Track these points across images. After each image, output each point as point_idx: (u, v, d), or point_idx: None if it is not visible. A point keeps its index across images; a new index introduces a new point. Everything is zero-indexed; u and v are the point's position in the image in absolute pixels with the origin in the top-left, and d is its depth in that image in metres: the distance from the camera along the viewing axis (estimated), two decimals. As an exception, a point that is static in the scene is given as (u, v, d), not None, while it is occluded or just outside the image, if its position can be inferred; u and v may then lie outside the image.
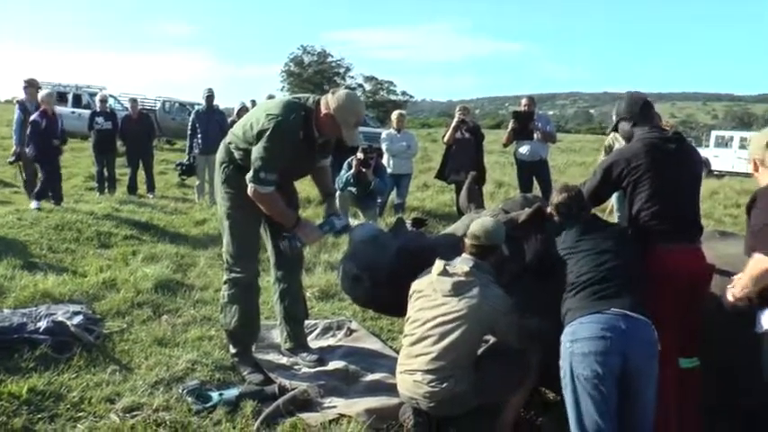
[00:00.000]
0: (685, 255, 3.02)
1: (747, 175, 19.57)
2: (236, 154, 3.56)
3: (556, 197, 3.21)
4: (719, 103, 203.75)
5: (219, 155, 3.70)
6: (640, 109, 3.30)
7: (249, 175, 3.39)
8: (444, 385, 2.87)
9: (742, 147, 21.85)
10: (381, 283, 3.44)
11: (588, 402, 2.60)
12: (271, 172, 3.36)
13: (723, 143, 22.05)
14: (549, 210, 3.26)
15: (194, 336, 4.10)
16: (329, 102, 3.39)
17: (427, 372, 2.89)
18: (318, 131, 3.48)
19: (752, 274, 2.49)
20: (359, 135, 3.59)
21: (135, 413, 3.11)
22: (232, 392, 3.30)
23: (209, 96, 10.08)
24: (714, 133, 23.15)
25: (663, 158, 3.10)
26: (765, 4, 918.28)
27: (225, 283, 3.75)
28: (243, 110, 9.87)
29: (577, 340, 2.67)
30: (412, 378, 2.95)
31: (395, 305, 3.61)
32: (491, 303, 2.90)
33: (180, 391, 3.32)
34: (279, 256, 3.85)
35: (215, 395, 3.27)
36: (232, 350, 3.78)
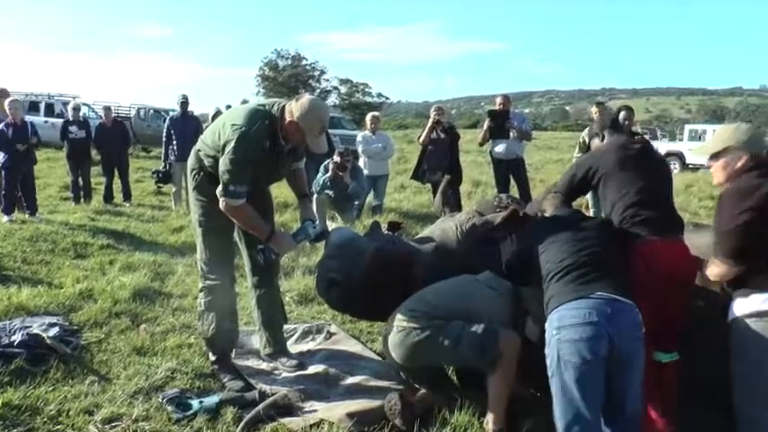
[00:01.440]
0: (663, 247, 3.04)
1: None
2: (206, 161, 3.54)
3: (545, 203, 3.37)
4: (693, 98, 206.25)
5: (190, 161, 3.68)
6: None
7: (219, 189, 3.35)
8: None
9: (715, 140, 22.19)
10: (357, 287, 3.45)
11: (575, 390, 2.57)
12: (240, 184, 3.32)
13: (697, 137, 22.34)
14: (533, 210, 3.33)
15: (173, 344, 4.06)
16: (293, 109, 3.33)
17: None
18: (285, 139, 3.43)
19: (708, 275, 2.69)
20: (325, 141, 3.55)
21: (114, 424, 3.07)
22: (212, 400, 3.27)
23: (184, 102, 10.03)
24: (688, 127, 23.49)
25: (628, 156, 3.24)
26: (734, 1, 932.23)
27: (201, 290, 3.73)
28: (218, 115, 9.83)
29: (563, 327, 2.65)
30: None
31: (370, 309, 3.65)
32: None
33: (160, 399, 3.28)
34: (254, 263, 3.83)
35: (195, 403, 3.24)
36: (211, 357, 3.76)
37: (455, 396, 3.26)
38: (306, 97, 3.39)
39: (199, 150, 3.60)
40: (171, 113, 11.59)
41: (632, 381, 2.66)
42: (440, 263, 3.51)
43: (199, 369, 3.73)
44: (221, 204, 3.38)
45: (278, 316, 3.98)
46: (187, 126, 9.85)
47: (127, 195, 10.52)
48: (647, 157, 3.32)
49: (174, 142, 9.87)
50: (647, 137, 7.19)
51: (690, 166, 20.83)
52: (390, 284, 3.45)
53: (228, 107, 11.41)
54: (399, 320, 3.19)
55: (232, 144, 3.26)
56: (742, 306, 2.63)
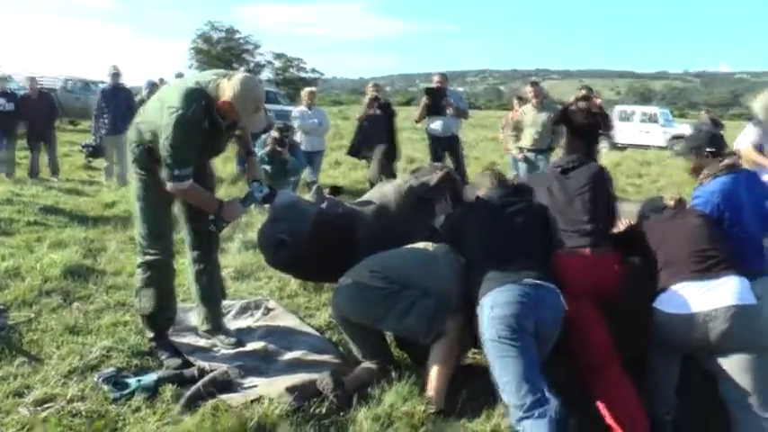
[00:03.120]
0: (580, 261, 3.15)
1: (647, 147, 20.73)
2: (146, 135, 3.45)
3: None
4: (622, 80, 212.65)
5: (130, 134, 3.58)
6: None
7: (164, 174, 3.30)
8: None
9: (643, 120, 23.02)
10: (304, 248, 3.56)
11: (512, 361, 2.73)
12: (183, 167, 3.27)
13: (626, 117, 23.07)
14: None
15: (108, 322, 3.98)
16: (226, 89, 3.28)
17: None
18: (222, 117, 3.38)
19: None
20: (263, 118, 3.54)
21: (47, 405, 2.99)
22: (150, 378, 3.23)
23: (115, 74, 9.68)
24: (617, 108, 24.15)
25: (556, 178, 3.47)
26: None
27: (139, 266, 3.65)
28: (154, 88, 9.56)
29: (496, 306, 2.82)
30: None
31: (315, 270, 3.80)
32: None
33: (95, 379, 3.22)
34: (194, 237, 3.79)
35: (133, 381, 3.19)
36: (149, 335, 3.70)
37: (389, 368, 3.34)
38: (237, 77, 3.32)
39: (138, 123, 3.51)
40: (101, 85, 11.16)
41: (542, 356, 2.88)
42: (380, 223, 3.70)
43: (136, 347, 3.66)
44: (168, 188, 3.33)
45: (217, 292, 3.94)
46: (119, 98, 9.53)
47: (55, 170, 10.09)
48: (579, 175, 3.46)
49: (105, 115, 9.53)
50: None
51: (618, 145, 21.54)
52: (335, 245, 3.59)
53: (161, 80, 11.15)
54: (358, 276, 3.31)
55: (170, 129, 3.19)
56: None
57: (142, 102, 7.76)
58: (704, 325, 2.76)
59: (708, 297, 2.81)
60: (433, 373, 3.15)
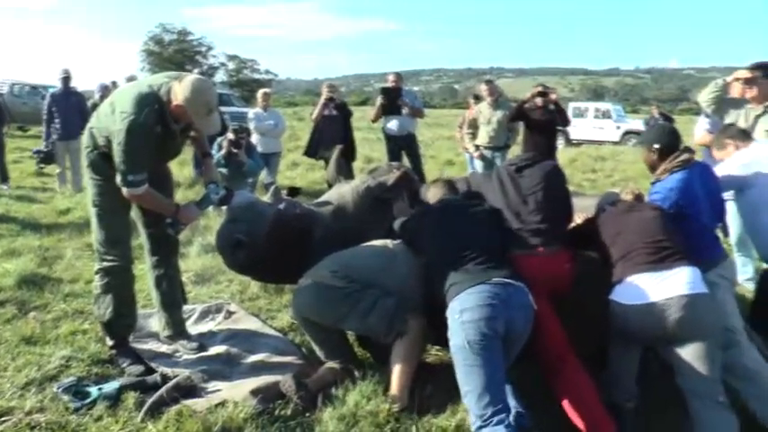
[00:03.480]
0: (533, 260, 3.20)
1: (601, 143, 21.18)
2: (100, 140, 3.41)
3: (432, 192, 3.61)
4: (575, 78, 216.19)
5: (84, 138, 3.53)
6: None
7: (118, 180, 3.27)
8: None
9: (596, 117, 23.49)
10: (261, 249, 3.57)
11: (476, 371, 2.72)
12: (138, 172, 3.26)
13: (580, 114, 23.49)
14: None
15: (67, 331, 3.91)
16: (177, 92, 3.26)
17: None
18: (175, 121, 3.37)
19: None
20: (218, 120, 3.54)
21: (4, 419, 2.92)
22: (112, 386, 3.19)
23: (66, 78, 9.43)
24: (571, 105, 24.57)
25: (510, 176, 3.50)
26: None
27: (97, 272, 3.60)
28: (107, 91, 9.39)
29: (465, 310, 2.81)
30: None
31: (273, 271, 3.82)
32: None
33: (54, 390, 3.16)
34: (152, 242, 3.76)
35: (94, 390, 3.15)
36: (109, 342, 3.65)
37: (352, 368, 3.37)
38: (189, 79, 3.30)
39: (92, 128, 3.46)
40: (50, 90, 10.88)
41: (515, 354, 2.95)
42: (338, 224, 3.73)
43: (96, 355, 3.61)
44: (124, 193, 3.31)
45: (177, 297, 3.91)
46: (70, 103, 9.28)
47: (4, 177, 9.78)
48: (533, 174, 3.50)
49: (57, 120, 9.30)
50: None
51: (573, 141, 21.94)
52: (292, 246, 3.61)
53: (114, 83, 10.94)
54: (318, 277, 3.32)
55: (123, 135, 3.17)
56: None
57: (95, 106, 7.64)
58: (660, 314, 2.85)
59: (662, 287, 2.90)
60: (396, 371, 3.18)
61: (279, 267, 3.74)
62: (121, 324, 3.63)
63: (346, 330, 3.45)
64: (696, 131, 5.99)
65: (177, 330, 3.86)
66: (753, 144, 3.82)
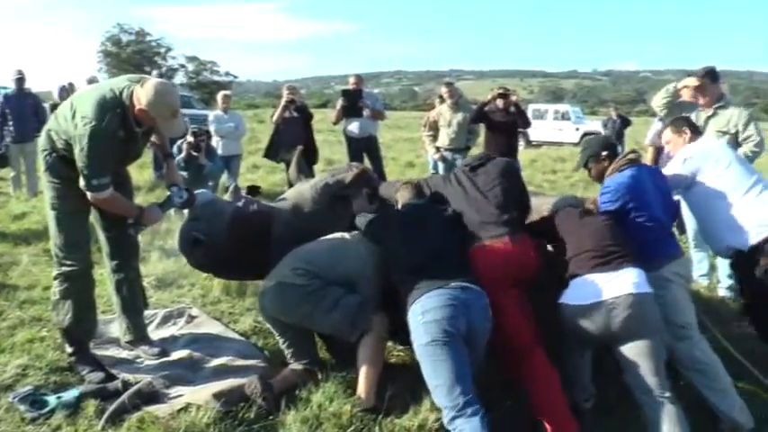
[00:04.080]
0: (500, 249, 3.28)
1: (561, 144, 21.52)
2: (59, 143, 3.36)
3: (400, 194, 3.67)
4: (534, 80, 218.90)
5: (41, 141, 3.48)
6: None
7: (82, 185, 3.25)
8: None
9: (555, 118, 23.86)
10: (220, 246, 3.60)
11: (444, 364, 2.80)
12: (102, 176, 3.24)
13: (539, 116, 23.82)
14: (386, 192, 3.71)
15: (23, 339, 3.82)
16: (140, 96, 3.24)
17: None
18: (138, 124, 3.35)
19: None
20: (182, 122, 3.55)
21: (-43, 431, 2.86)
22: (71, 394, 3.14)
23: (20, 78, 9.20)
24: (531, 107, 24.89)
25: (466, 176, 3.64)
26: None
27: (55, 278, 3.54)
28: (66, 93, 9.19)
29: (427, 311, 2.89)
30: None
31: (233, 268, 3.85)
32: None
33: (10, 399, 3.09)
34: (112, 246, 3.72)
35: (52, 399, 3.09)
36: (68, 349, 3.60)
37: (316, 369, 3.37)
38: (151, 83, 3.28)
39: (50, 130, 3.41)
40: (3, 91, 10.61)
41: (478, 356, 3.00)
42: (297, 220, 3.77)
43: (54, 363, 3.54)
44: (89, 198, 3.29)
45: (138, 301, 3.87)
46: (24, 105, 9.06)
47: (-45, 181, 9.59)
48: (488, 171, 3.62)
49: (10, 122, 9.08)
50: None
51: (533, 142, 22.25)
52: (252, 242, 3.63)
53: (71, 84, 10.72)
54: (281, 276, 3.33)
55: (85, 141, 3.14)
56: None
57: (55, 106, 7.52)
58: (607, 313, 2.95)
59: (609, 287, 3.01)
60: (362, 373, 3.20)
61: (239, 264, 3.75)
62: (81, 330, 3.58)
63: (312, 329, 3.46)
64: (649, 134, 6.16)
65: (138, 335, 3.81)
66: (699, 139, 3.93)
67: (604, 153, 3.66)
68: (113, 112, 3.21)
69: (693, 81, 4.84)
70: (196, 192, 3.83)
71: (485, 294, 3.02)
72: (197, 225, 3.67)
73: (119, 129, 3.24)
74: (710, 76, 4.85)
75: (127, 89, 3.29)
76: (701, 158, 3.74)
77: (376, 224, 3.50)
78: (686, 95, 5.06)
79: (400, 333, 3.23)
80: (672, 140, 4.01)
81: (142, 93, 3.23)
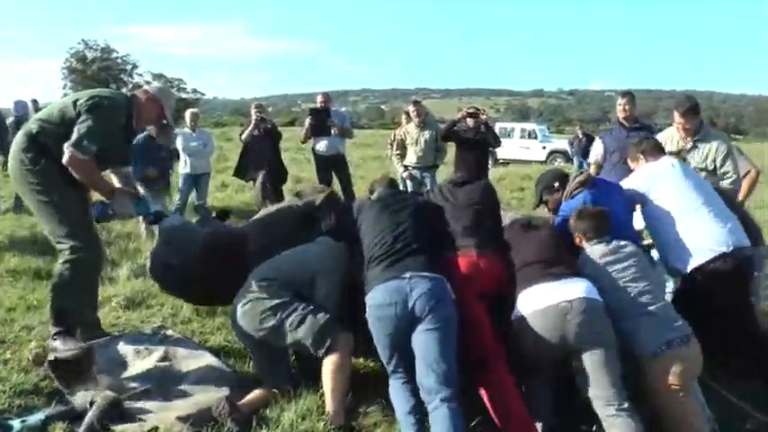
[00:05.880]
0: (465, 260, 3.42)
1: (528, 162, 21.78)
2: (50, 141, 3.52)
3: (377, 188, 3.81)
4: (500, 98, 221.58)
5: (26, 155, 3.57)
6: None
7: (70, 143, 3.41)
8: None
9: (522, 136, 24.19)
10: (192, 270, 3.66)
11: (387, 351, 3.08)
12: (93, 143, 3.45)
13: (506, 134, 24.10)
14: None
15: (-15, 361, 3.73)
16: (146, 89, 3.76)
17: None
18: (137, 122, 3.68)
19: None
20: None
21: None
22: (37, 417, 3.05)
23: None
24: (498, 125, 25.19)
25: (449, 191, 3.83)
26: (535, 7, 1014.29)
27: (65, 262, 3.63)
28: (26, 109, 9.08)
29: (371, 306, 3.09)
30: None
31: (203, 292, 3.90)
32: None
33: (-28, 425, 3.00)
34: None
35: (16, 424, 3.00)
36: (53, 329, 3.72)
37: (287, 387, 3.36)
38: (152, 85, 3.68)
39: (38, 133, 3.57)
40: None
41: (440, 338, 2.97)
42: (268, 242, 3.82)
43: (18, 386, 3.43)
44: (66, 157, 3.43)
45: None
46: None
47: None
48: (467, 191, 3.83)
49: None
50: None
51: (500, 161, 22.50)
52: (223, 267, 3.68)
53: (35, 102, 10.58)
54: (248, 292, 3.38)
55: (98, 108, 3.48)
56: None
57: (20, 122, 7.54)
58: (562, 318, 2.98)
59: (560, 292, 3.06)
60: (328, 391, 3.20)
61: (211, 288, 3.77)
62: (75, 314, 3.72)
63: (280, 344, 3.44)
64: (592, 151, 6.20)
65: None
66: (661, 158, 3.99)
67: (556, 184, 3.85)
68: (124, 96, 3.69)
69: (684, 124, 4.89)
70: (168, 215, 3.91)
71: (442, 280, 3.10)
72: (168, 249, 3.69)
73: (123, 114, 3.61)
74: (693, 110, 4.88)
75: (127, 93, 3.78)
76: (656, 178, 3.83)
77: (353, 213, 3.65)
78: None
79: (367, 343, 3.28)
80: (634, 159, 4.12)
81: (146, 88, 3.79)
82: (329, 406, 3.16)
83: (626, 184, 3.95)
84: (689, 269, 3.61)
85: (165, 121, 3.95)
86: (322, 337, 3.25)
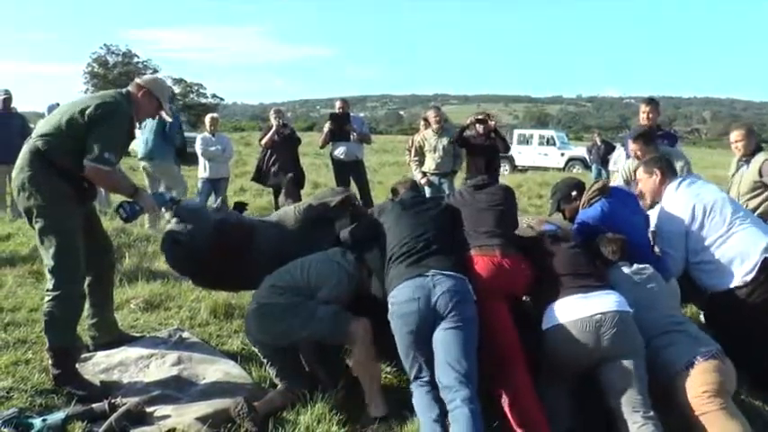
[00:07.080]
0: (489, 261, 3.39)
1: (546, 169, 21.69)
2: (57, 156, 3.43)
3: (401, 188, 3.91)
4: (519, 105, 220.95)
5: (30, 171, 3.45)
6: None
7: (91, 157, 3.38)
8: None
9: (541, 143, 24.04)
10: (198, 250, 3.74)
11: (409, 348, 3.08)
12: (113, 152, 3.46)
13: (524, 141, 24.04)
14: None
15: (7, 361, 3.76)
16: (138, 83, 3.76)
17: None
18: (136, 117, 3.74)
19: None
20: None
21: (-59, 454, 2.84)
22: (57, 416, 3.10)
23: (7, 99, 9.11)
24: (516, 132, 25.12)
25: (469, 194, 3.83)
26: (555, 14, 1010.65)
27: (53, 298, 3.49)
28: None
29: (395, 303, 3.12)
30: None
31: (208, 275, 3.99)
32: None
33: (-5, 423, 3.06)
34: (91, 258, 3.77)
35: (37, 422, 3.05)
36: (55, 371, 3.53)
37: (304, 391, 3.37)
38: (141, 77, 3.83)
39: (45, 151, 3.43)
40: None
41: (462, 337, 3.01)
42: (280, 235, 3.91)
43: (39, 385, 3.50)
44: (88, 170, 3.40)
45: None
46: (11, 125, 8.90)
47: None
48: (488, 193, 3.82)
49: (-4, 143, 9.01)
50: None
51: (519, 168, 22.42)
52: (231, 252, 3.77)
53: (58, 105, 10.69)
54: (260, 297, 3.45)
55: (109, 117, 3.45)
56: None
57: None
58: (596, 331, 3.00)
59: (591, 305, 3.08)
60: (364, 382, 3.31)
61: (215, 270, 3.87)
62: (72, 351, 3.63)
63: (295, 342, 3.47)
64: (612, 159, 6.26)
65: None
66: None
67: (574, 193, 3.85)
68: (126, 98, 3.66)
69: (736, 136, 5.02)
70: (185, 199, 4.03)
71: (463, 280, 3.15)
72: (179, 226, 3.79)
73: (130, 114, 3.63)
74: (748, 130, 5.03)
75: (123, 92, 3.71)
76: (697, 200, 3.84)
77: (364, 225, 3.73)
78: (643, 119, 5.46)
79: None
80: (642, 180, 4.11)
81: (138, 80, 3.78)
82: (366, 398, 3.28)
83: (672, 204, 3.94)
84: (725, 287, 3.68)
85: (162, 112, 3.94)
86: (338, 324, 3.31)
